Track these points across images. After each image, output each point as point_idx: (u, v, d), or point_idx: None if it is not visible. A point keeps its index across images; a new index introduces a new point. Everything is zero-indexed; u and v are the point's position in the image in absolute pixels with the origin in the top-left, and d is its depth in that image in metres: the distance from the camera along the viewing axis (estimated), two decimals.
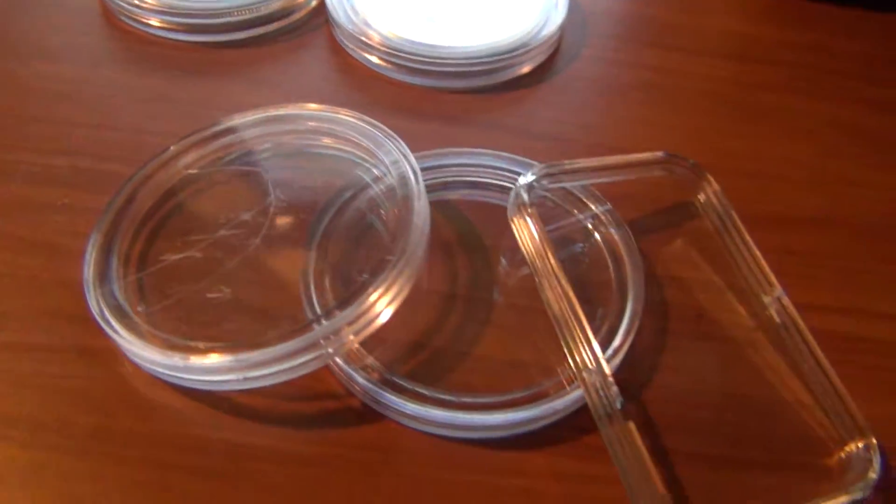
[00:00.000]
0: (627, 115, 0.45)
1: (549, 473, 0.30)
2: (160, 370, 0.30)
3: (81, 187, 0.37)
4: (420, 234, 0.32)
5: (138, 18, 0.46)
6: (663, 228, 0.39)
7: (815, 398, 0.32)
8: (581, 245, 0.37)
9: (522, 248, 0.33)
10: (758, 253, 0.35)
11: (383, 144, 0.36)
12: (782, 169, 0.43)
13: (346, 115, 0.37)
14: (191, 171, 0.37)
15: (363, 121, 0.37)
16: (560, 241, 0.37)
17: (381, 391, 0.30)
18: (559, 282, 0.31)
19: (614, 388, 0.29)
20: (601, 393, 0.29)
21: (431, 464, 0.30)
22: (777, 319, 0.34)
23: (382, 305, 0.30)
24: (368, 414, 0.31)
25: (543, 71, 0.47)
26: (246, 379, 0.29)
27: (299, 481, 0.29)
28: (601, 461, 0.30)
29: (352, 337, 0.30)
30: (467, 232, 0.38)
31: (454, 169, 0.39)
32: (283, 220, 0.35)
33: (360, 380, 0.31)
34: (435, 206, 0.38)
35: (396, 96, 0.44)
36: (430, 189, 0.39)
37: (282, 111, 0.38)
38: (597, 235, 0.37)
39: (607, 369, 0.29)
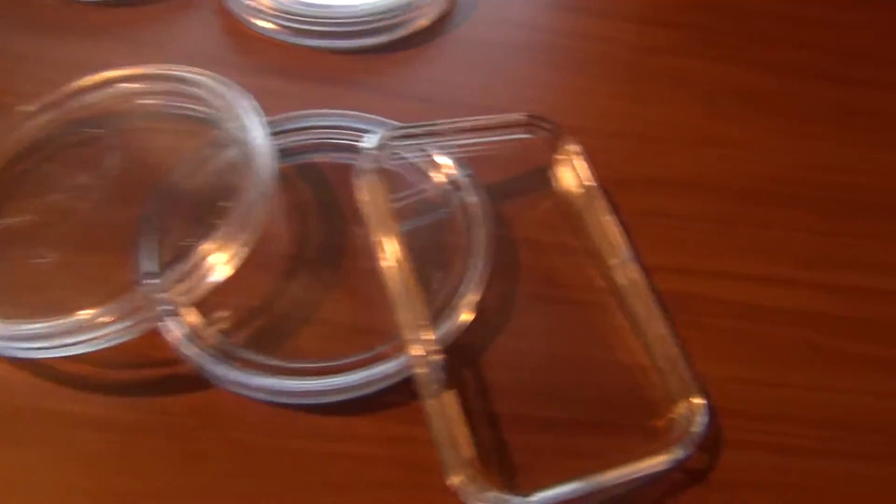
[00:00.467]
0: (514, 76, 0.45)
1: (378, 438, 0.30)
2: None
3: None
4: (257, 195, 0.31)
5: None
6: (525, 192, 0.38)
7: (651, 361, 0.33)
8: (437, 211, 0.36)
9: (363, 211, 0.33)
10: (608, 216, 0.35)
11: (234, 106, 0.35)
12: (665, 131, 0.42)
13: (197, 75, 0.36)
14: (40, 134, 0.36)
15: (215, 80, 0.36)
16: (416, 205, 0.36)
17: (210, 356, 0.30)
18: (395, 248, 0.31)
19: (434, 359, 0.29)
20: (420, 364, 0.29)
21: (259, 430, 0.30)
22: (623, 282, 0.34)
23: (213, 267, 0.30)
24: (199, 381, 0.31)
25: (434, 31, 0.46)
26: (65, 345, 0.29)
27: (120, 448, 0.29)
28: (427, 424, 0.30)
29: (182, 297, 0.30)
30: (326, 195, 0.37)
31: (320, 131, 0.39)
32: (121, 184, 0.34)
33: (189, 346, 0.30)
34: (298, 169, 0.38)
35: (279, 57, 0.43)
36: (293, 152, 0.38)
37: (132, 71, 0.37)
38: (452, 201, 0.36)
39: (431, 338, 0.29)
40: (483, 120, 0.37)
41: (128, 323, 0.29)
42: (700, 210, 0.39)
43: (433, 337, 0.30)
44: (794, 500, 0.30)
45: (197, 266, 0.30)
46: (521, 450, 0.30)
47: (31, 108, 0.36)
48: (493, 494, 0.27)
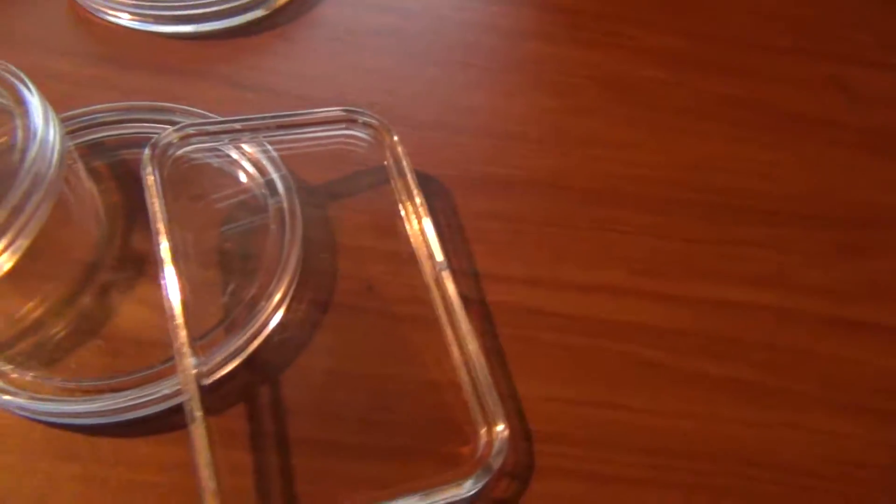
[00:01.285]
0: (360, 64, 0.42)
1: (154, 463, 0.28)
2: None
3: None
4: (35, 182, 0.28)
5: None
6: (347, 193, 0.36)
7: (462, 381, 0.30)
8: (251, 218, 0.34)
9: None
10: (428, 220, 0.33)
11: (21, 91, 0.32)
12: (520, 126, 0.40)
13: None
14: None
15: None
16: (230, 209, 0.34)
17: None
18: (172, 258, 0.28)
19: (194, 386, 0.26)
20: (185, 387, 0.26)
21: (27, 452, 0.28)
22: (441, 293, 0.32)
23: None
24: None
25: (280, 16, 0.43)
26: None
27: None
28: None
29: None
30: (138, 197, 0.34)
31: (134, 125, 0.36)
32: None
33: None
34: (111, 167, 0.35)
35: (118, 44, 0.41)
36: (106, 147, 0.35)
37: None
38: (268, 205, 0.33)
39: (193, 365, 0.27)
40: (300, 115, 0.34)
41: None
42: (544, 213, 0.37)
43: (192, 359, 0.27)
44: None
45: None
46: (304, 476, 0.28)
47: None
48: None
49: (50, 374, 0.29)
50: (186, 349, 0.27)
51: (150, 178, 0.30)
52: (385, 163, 0.35)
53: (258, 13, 0.43)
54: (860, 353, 0.34)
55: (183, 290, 0.28)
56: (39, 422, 0.28)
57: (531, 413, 0.30)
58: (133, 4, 0.40)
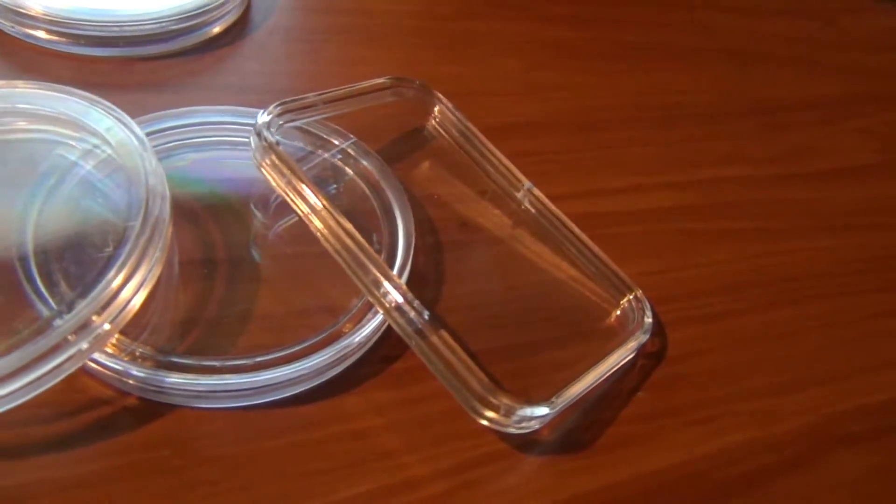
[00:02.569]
0: (336, 57, 0.44)
1: (369, 410, 0.29)
2: None
3: None
4: (160, 199, 0.28)
5: None
6: (408, 153, 0.38)
7: (582, 272, 0.35)
8: (335, 182, 0.35)
9: (279, 191, 0.31)
10: (501, 155, 0.37)
11: (88, 112, 0.30)
12: (495, 85, 0.45)
13: (27, 88, 0.31)
14: None
15: (53, 90, 0.31)
16: (316, 180, 0.35)
17: (160, 376, 0.26)
18: (331, 213, 0.29)
19: (417, 302, 0.28)
20: (405, 310, 0.28)
21: (240, 440, 0.27)
22: (532, 210, 0.36)
23: (134, 283, 0.26)
24: (151, 409, 0.27)
25: (240, 27, 0.44)
26: None
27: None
28: (414, 382, 0.29)
29: (107, 326, 0.25)
30: (207, 195, 0.34)
31: (174, 132, 0.35)
32: None
33: (133, 370, 0.26)
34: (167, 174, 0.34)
35: (81, 72, 0.39)
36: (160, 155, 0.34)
37: None
38: (348, 169, 0.35)
39: (404, 286, 0.28)
40: (350, 88, 0.36)
41: (57, 362, 0.24)
42: (551, 145, 0.42)
43: (404, 285, 0.28)
44: (733, 354, 0.34)
45: (119, 282, 0.25)
46: (508, 378, 0.30)
47: None
48: (526, 410, 0.27)
49: (231, 356, 0.28)
50: (393, 280, 0.28)
51: (274, 156, 0.30)
52: (432, 121, 0.38)
53: (210, 30, 0.43)
54: (803, 192, 0.44)
55: (353, 239, 0.29)
56: (227, 409, 0.28)
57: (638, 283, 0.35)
58: (81, 28, 0.39)
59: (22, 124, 0.32)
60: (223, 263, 0.32)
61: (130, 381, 0.27)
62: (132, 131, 0.30)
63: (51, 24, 0.39)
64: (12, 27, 0.39)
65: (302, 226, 0.31)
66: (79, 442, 0.26)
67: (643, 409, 0.31)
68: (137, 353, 0.27)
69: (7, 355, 0.23)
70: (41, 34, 0.39)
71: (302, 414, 0.28)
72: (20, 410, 0.24)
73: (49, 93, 0.31)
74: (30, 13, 0.38)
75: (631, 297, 0.33)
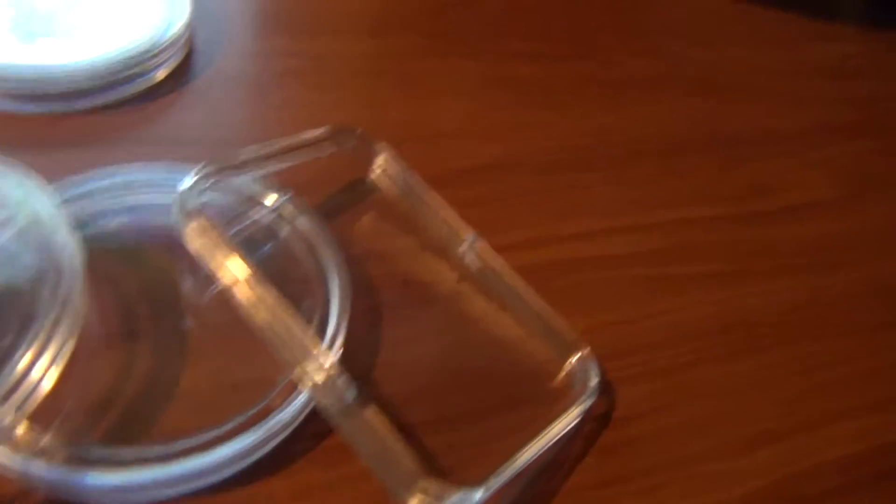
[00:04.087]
0: (282, 103, 0.43)
1: (297, 495, 0.27)
2: None
3: None
4: (70, 274, 0.26)
5: None
6: (349, 206, 0.37)
7: (528, 329, 0.33)
8: (269, 243, 0.34)
9: (202, 259, 0.29)
10: (444, 207, 0.36)
11: (2, 181, 0.29)
12: (450, 127, 0.44)
13: None
14: None
15: None
16: (246, 243, 0.33)
17: (67, 472, 0.25)
18: (254, 283, 0.28)
19: (341, 380, 0.27)
20: (329, 390, 0.26)
21: None
22: (476, 264, 0.34)
23: (41, 368, 0.25)
24: None
25: (180, 75, 0.43)
26: None
27: None
28: (345, 460, 0.28)
29: (9, 418, 0.24)
30: (136, 260, 0.33)
31: (104, 195, 0.34)
32: None
33: (39, 469, 0.25)
34: (90, 239, 0.33)
35: (9, 130, 0.37)
36: (80, 222, 0.33)
37: None
38: (283, 229, 0.34)
39: (328, 363, 0.27)
40: (289, 141, 0.35)
41: None
42: (511, 188, 0.41)
43: (332, 363, 0.27)
44: (689, 411, 0.33)
45: (18, 377, 0.24)
46: (444, 452, 0.29)
47: None
48: (457, 496, 0.25)
49: (147, 444, 0.26)
50: (320, 357, 0.27)
51: (195, 222, 0.29)
52: (375, 171, 0.37)
53: (148, 80, 0.42)
54: (764, 231, 0.42)
55: (278, 311, 0.28)
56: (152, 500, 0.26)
57: (587, 341, 0.34)
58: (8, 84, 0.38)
59: None
60: (148, 336, 0.30)
61: (37, 479, 0.25)
62: (45, 203, 0.29)
63: None
64: None
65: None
66: None
67: (591, 477, 0.30)
68: (46, 446, 0.25)
69: None
70: None
71: (227, 502, 0.26)
72: None
73: None
74: None
75: (575, 357, 0.32)
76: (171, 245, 0.33)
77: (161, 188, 0.34)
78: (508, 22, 0.54)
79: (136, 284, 0.32)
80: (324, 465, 0.28)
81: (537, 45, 0.52)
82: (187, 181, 0.30)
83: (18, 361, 0.24)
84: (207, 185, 0.31)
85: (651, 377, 0.33)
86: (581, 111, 0.47)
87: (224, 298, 0.31)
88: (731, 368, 0.35)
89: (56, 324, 0.25)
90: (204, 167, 0.31)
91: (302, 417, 0.29)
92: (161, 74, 0.42)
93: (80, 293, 0.27)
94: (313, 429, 0.29)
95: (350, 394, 0.26)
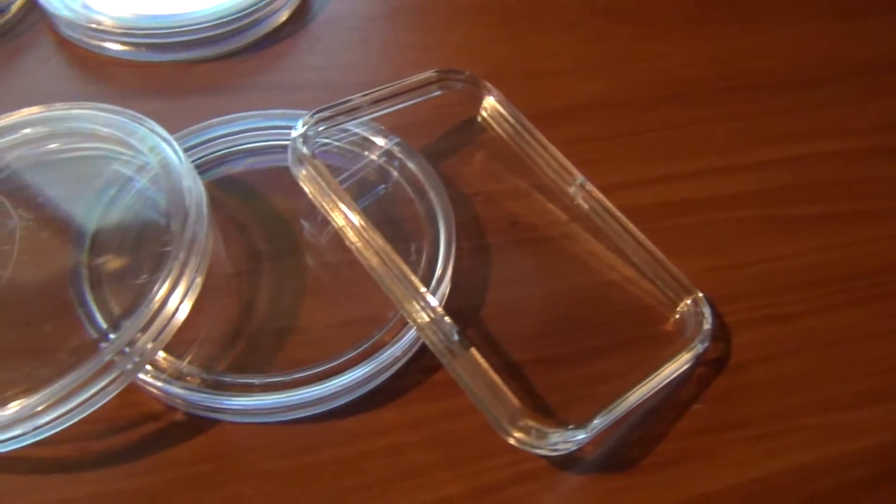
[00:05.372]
0: (391, 44, 0.43)
1: (405, 424, 0.29)
2: None
3: None
4: (196, 217, 0.28)
5: None
6: (457, 148, 0.37)
7: (638, 271, 0.33)
8: (379, 186, 0.35)
9: (315, 203, 0.31)
10: (552, 147, 0.35)
11: (134, 131, 0.31)
12: (553, 63, 0.43)
13: (80, 110, 0.32)
14: None
15: (103, 110, 0.32)
16: (358, 186, 0.34)
17: (202, 395, 0.27)
18: (363, 227, 0.29)
19: (447, 320, 0.27)
20: (435, 329, 0.27)
21: (280, 455, 0.27)
22: (585, 206, 0.34)
23: (175, 301, 0.27)
24: (196, 423, 0.28)
25: (297, 20, 0.44)
26: (37, 428, 0.25)
27: None
28: (452, 395, 0.29)
29: (150, 345, 0.26)
30: (257, 202, 0.35)
31: (226, 140, 0.36)
32: (36, 242, 0.30)
33: (177, 389, 0.27)
34: (216, 183, 0.35)
35: (143, 78, 0.40)
36: (205, 167, 0.35)
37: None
38: (393, 172, 0.35)
39: (435, 303, 0.28)
40: (396, 85, 0.35)
41: (104, 382, 0.25)
42: (615, 127, 0.39)
43: (438, 304, 0.28)
44: (806, 361, 0.31)
45: (159, 302, 0.26)
46: (550, 391, 0.29)
47: None
48: (557, 435, 0.26)
49: (268, 373, 0.28)
50: (423, 298, 0.28)
51: (309, 167, 0.30)
52: (482, 113, 0.37)
53: (263, 29, 0.43)
54: None
55: (386, 253, 0.29)
56: (270, 424, 0.28)
57: (698, 285, 0.33)
58: (142, 35, 0.40)
59: (70, 143, 0.33)
60: (268, 274, 0.32)
61: (175, 398, 0.28)
62: (171, 147, 0.30)
63: (118, 34, 0.40)
64: (81, 39, 0.41)
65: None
66: (129, 457, 0.27)
67: (700, 422, 0.29)
68: (183, 371, 0.28)
69: (56, 381, 0.24)
70: (109, 45, 0.40)
71: (340, 428, 0.28)
72: (78, 424, 0.26)
73: (97, 114, 0.32)
74: (101, 27, 0.40)
75: (689, 300, 0.31)
76: (290, 188, 0.34)
77: (279, 133, 0.36)
78: None
79: (258, 225, 0.33)
80: (430, 398, 0.29)
81: None
82: (300, 127, 0.31)
83: (155, 295, 0.26)
84: (319, 130, 0.32)
85: (767, 324, 0.32)
86: (684, 43, 0.45)
87: (338, 239, 0.33)
88: (852, 316, 0.33)
89: (186, 261, 0.27)
90: (315, 113, 0.32)
91: (411, 353, 0.30)
92: (283, 17, 0.43)
93: (207, 234, 0.29)
94: (423, 364, 0.30)
95: (454, 334, 0.27)
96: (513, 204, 0.35)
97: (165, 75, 0.40)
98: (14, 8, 0.43)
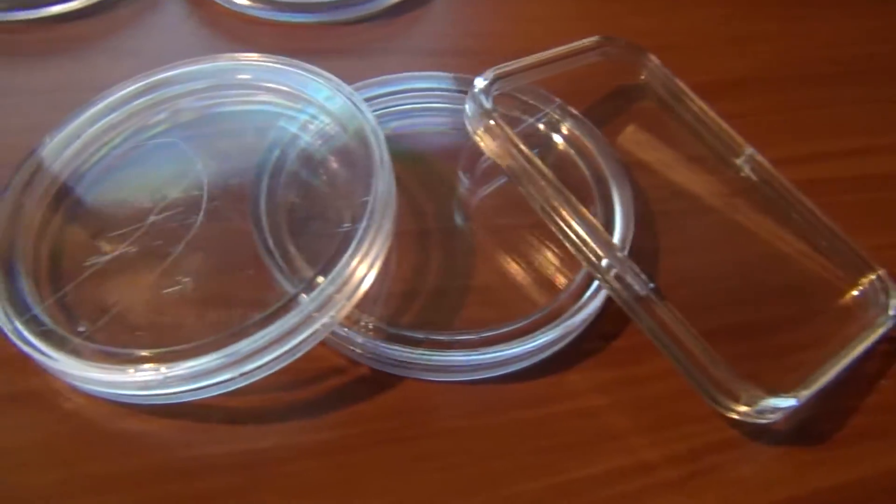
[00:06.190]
0: (523, 14, 0.43)
1: (593, 388, 0.28)
2: (128, 393, 0.24)
3: None
4: (389, 171, 0.28)
5: None
6: (613, 115, 0.37)
7: (812, 245, 0.32)
8: (541, 147, 0.34)
9: (496, 158, 0.30)
10: (717, 118, 0.34)
11: (309, 82, 0.31)
12: (691, 39, 0.42)
13: (249, 61, 0.32)
14: (80, 162, 0.30)
15: (272, 60, 0.31)
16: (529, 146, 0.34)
17: (393, 349, 0.26)
18: (549, 181, 0.28)
19: (643, 274, 0.27)
20: (630, 280, 0.27)
21: (468, 413, 0.27)
22: (755, 177, 0.33)
23: (370, 258, 0.26)
24: (381, 379, 0.27)
25: None
26: (242, 375, 0.24)
27: (332, 472, 0.25)
28: (634, 362, 0.29)
29: (346, 301, 0.26)
30: (415, 163, 0.34)
31: (378, 101, 0.35)
32: (219, 190, 0.29)
33: (366, 342, 0.27)
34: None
35: (282, 38, 0.39)
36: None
37: (167, 74, 0.32)
38: (555, 134, 0.34)
39: (627, 254, 0.27)
40: (559, 50, 0.34)
41: (306, 334, 0.25)
42: (767, 104, 0.39)
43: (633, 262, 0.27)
44: None
45: (357, 262, 0.26)
46: (737, 361, 0.28)
47: (54, 137, 0.30)
48: (773, 401, 0.25)
49: (453, 331, 0.28)
50: (612, 245, 0.27)
51: (493, 123, 0.30)
52: (639, 80, 0.36)
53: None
54: None
55: (576, 209, 0.28)
56: (451, 383, 0.28)
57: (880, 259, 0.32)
58: None
59: (244, 96, 0.32)
60: (436, 234, 0.31)
61: (362, 352, 0.27)
62: (352, 101, 0.30)
63: None
64: None
65: (510, 195, 0.30)
66: (317, 410, 0.27)
67: (889, 398, 0.28)
68: (370, 326, 0.27)
69: (260, 331, 0.24)
70: (246, 2, 0.40)
71: (526, 389, 0.28)
72: (267, 376, 0.25)
73: (269, 64, 0.32)
74: None
75: (873, 276, 0.30)
76: (445, 147, 0.34)
77: (430, 95, 0.35)
78: None
79: (421, 186, 0.33)
80: (613, 364, 0.29)
81: None
82: (480, 83, 0.31)
83: (357, 247, 0.25)
84: (495, 89, 0.31)
85: None
86: (826, 21, 0.44)
87: (499, 202, 0.32)
88: None
89: (384, 212, 0.27)
90: (493, 71, 0.31)
91: (589, 321, 0.29)
92: None
93: (394, 195, 0.28)
94: (602, 329, 0.29)
95: (650, 286, 0.26)
96: (673, 174, 0.35)
97: (303, 36, 0.40)
98: None
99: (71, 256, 0.28)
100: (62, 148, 0.30)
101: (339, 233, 0.26)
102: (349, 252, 0.25)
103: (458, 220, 0.32)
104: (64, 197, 0.30)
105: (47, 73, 0.36)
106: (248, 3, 0.40)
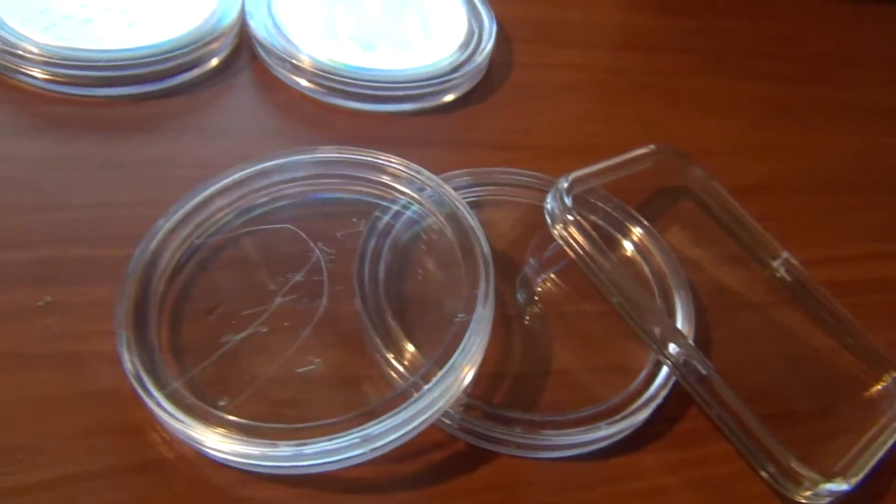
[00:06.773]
0: (569, 114, 0.47)
1: (662, 468, 0.31)
2: (263, 464, 0.27)
3: (57, 280, 0.32)
4: (490, 262, 0.31)
5: (24, 71, 0.39)
6: (658, 215, 0.41)
7: (839, 342, 0.36)
8: (608, 242, 0.38)
9: (573, 254, 0.34)
10: (754, 222, 0.39)
11: (400, 175, 0.34)
12: (717, 144, 0.47)
13: (348, 152, 0.35)
14: (196, 241, 0.33)
15: (366, 154, 0.35)
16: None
17: (491, 427, 0.29)
18: (625, 277, 0.32)
19: (706, 360, 0.31)
20: (696, 364, 0.30)
21: (557, 489, 0.30)
22: (788, 278, 0.38)
23: (482, 346, 0.29)
24: (478, 454, 0.30)
25: (484, 85, 0.47)
26: (371, 451, 0.27)
27: None
28: (695, 444, 0.32)
29: (460, 386, 0.29)
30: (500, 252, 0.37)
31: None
32: (336, 274, 0.32)
33: (466, 421, 0.29)
34: None
35: (352, 126, 0.42)
36: None
37: (275, 161, 0.35)
38: (618, 233, 0.38)
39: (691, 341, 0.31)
40: (624, 157, 0.39)
41: (426, 416, 0.28)
42: (781, 208, 0.44)
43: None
44: None
45: (472, 350, 0.29)
46: (789, 445, 0.32)
47: (169, 217, 0.33)
48: (830, 486, 0.29)
49: (536, 414, 0.31)
50: (678, 332, 0.31)
51: (575, 221, 0.33)
52: (682, 183, 0.41)
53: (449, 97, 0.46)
54: None
55: (645, 299, 0.32)
56: (538, 459, 0.31)
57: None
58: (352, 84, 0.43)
59: (341, 185, 0.35)
60: (516, 319, 0.35)
61: (461, 429, 0.30)
62: (446, 192, 0.33)
63: (322, 77, 0.43)
64: (288, 76, 0.43)
65: (577, 284, 0.35)
66: (422, 482, 0.29)
67: None
68: (465, 402, 0.30)
69: (391, 413, 0.27)
70: (317, 88, 0.43)
71: (606, 468, 0.31)
72: None
73: (362, 157, 0.35)
74: (301, 65, 0.42)
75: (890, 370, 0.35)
76: (514, 236, 0.37)
77: (497, 188, 0.39)
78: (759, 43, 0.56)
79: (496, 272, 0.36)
80: (678, 446, 0.32)
81: (788, 66, 0.55)
82: (562, 185, 0.35)
83: (473, 336, 0.28)
84: (575, 187, 0.35)
85: None
86: (835, 135, 0.50)
87: (566, 290, 0.36)
88: None
89: (491, 300, 0.30)
90: (571, 175, 0.35)
91: (659, 402, 0.33)
92: (469, 85, 0.46)
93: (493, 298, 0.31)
94: (666, 413, 0.33)
95: (712, 369, 0.30)
96: (716, 271, 0.39)
97: (372, 125, 0.43)
98: (215, 61, 0.45)
99: (200, 333, 0.30)
100: (177, 228, 0.33)
101: (455, 322, 0.29)
102: (465, 340, 0.28)
103: (535, 307, 0.35)
104: (184, 275, 0.32)
105: (144, 149, 0.38)
106: (318, 89, 0.43)
